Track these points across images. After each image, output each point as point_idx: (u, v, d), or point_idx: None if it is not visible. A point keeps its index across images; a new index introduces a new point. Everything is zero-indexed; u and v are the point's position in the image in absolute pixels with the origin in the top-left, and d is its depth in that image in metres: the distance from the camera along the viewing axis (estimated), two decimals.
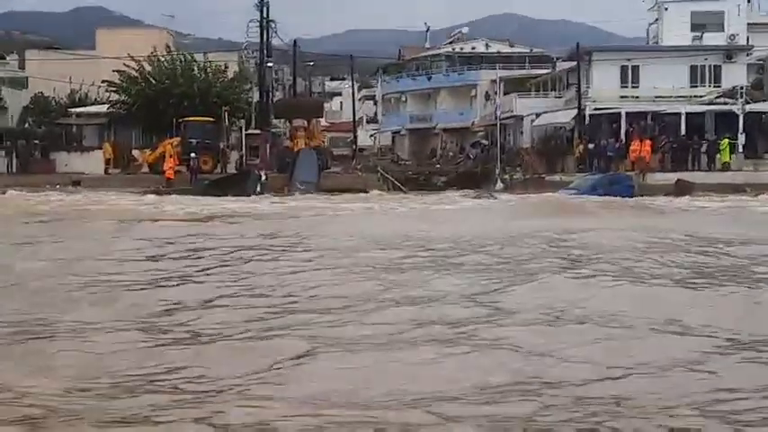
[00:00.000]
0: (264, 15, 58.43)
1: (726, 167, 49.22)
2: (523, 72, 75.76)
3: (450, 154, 71.02)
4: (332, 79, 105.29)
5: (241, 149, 57.74)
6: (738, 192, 44.72)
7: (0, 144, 58.19)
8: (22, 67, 76.16)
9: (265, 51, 58.12)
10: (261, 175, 48.61)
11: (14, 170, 56.74)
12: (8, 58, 78.82)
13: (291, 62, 66.91)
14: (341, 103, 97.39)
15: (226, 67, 63.59)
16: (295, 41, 64.29)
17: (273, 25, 59.32)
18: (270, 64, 59.03)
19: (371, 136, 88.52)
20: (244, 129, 58.43)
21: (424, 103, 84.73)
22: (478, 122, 73.85)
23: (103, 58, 65.67)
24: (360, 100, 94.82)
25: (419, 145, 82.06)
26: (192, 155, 52.27)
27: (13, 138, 59.35)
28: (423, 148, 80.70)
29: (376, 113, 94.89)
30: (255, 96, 61.20)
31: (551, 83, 69.72)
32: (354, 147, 73.03)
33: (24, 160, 57.34)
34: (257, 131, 58.23)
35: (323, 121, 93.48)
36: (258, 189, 47.25)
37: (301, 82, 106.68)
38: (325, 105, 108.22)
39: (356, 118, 76.87)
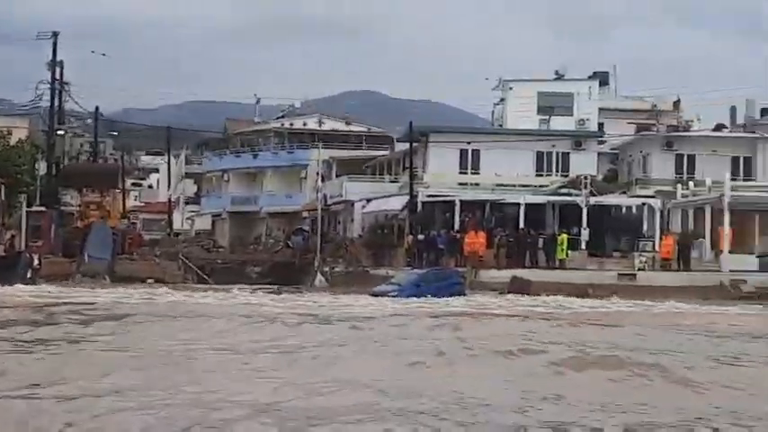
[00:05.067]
0: (57, 77, 56.25)
1: (562, 265, 48.52)
2: (358, 153, 74.91)
3: (271, 242, 69.32)
4: (147, 153, 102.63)
5: (19, 229, 54.57)
6: (581, 293, 44.02)
7: None
8: None
9: (56, 117, 55.79)
10: (33, 259, 45.86)
11: None
12: None
13: (106, 134, 64.65)
14: (158, 180, 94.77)
15: (9, 133, 60.48)
16: (97, 107, 62.07)
17: (67, 88, 57.11)
18: (61, 132, 56.56)
19: (188, 219, 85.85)
20: (24, 205, 55.33)
21: (248, 184, 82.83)
22: (306, 207, 72.10)
23: None
24: (180, 178, 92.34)
25: (242, 230, 79.99)
26: None
27: None
28: (246, 234, 78.70)
29: (197, 193, 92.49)
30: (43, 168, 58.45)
31: (387, 166, 68.85)
32: (169, 230, 70.33)
33: None
34: (42, 209, 55.36)
35: (135, 200, 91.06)
36: (29, 275, 44.64)
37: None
38: (143, 183, 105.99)
39: (172, 198, 74.31)
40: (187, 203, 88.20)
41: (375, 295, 42.10)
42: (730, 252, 48.14)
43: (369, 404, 15.22)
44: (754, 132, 61.38)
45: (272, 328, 27.91)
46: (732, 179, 52.56)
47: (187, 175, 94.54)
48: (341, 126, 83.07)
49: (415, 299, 40.23)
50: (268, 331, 26.80)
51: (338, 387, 16.91)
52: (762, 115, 64.60)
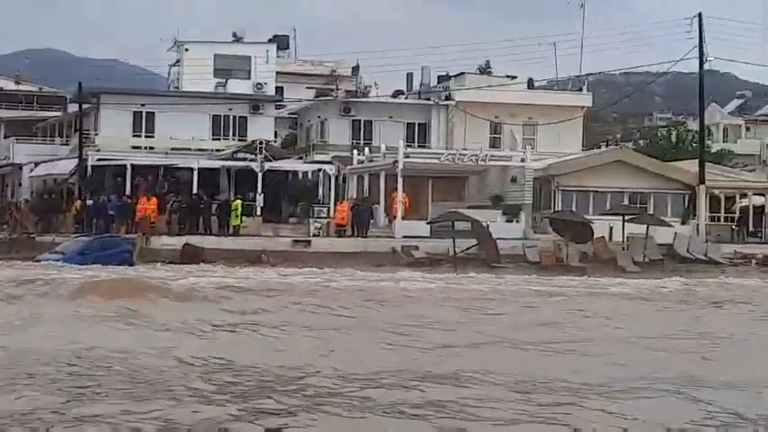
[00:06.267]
0: None
1: (236, 232, 47.37)
2: (29, 114, 71.35)
3: None
4: None
5: None
6: (256, 260, 43.22)
7: None
8: None
9: None
10: None
11: None
12: None
13: None
14: None
15: None
16: None
17: None
18: None
19: None
20: None
21: None
22: None
23: None
24: None
25: None
26: None
27: None
28: None
29: None
30: None
31: (59, 127, 65.74)
32: None
33: None
34: None
35: None
36: None
37: None
38: None
39: None
40: None
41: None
42: (404, 218, 48.35)
43: None
44: (429, 99, 62.17)
45: None
46: (408, 145, 52.96)
47: None
48: (10, 85, 78.86)
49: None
50: None
51: None
52: (438, 82, 65.46)
